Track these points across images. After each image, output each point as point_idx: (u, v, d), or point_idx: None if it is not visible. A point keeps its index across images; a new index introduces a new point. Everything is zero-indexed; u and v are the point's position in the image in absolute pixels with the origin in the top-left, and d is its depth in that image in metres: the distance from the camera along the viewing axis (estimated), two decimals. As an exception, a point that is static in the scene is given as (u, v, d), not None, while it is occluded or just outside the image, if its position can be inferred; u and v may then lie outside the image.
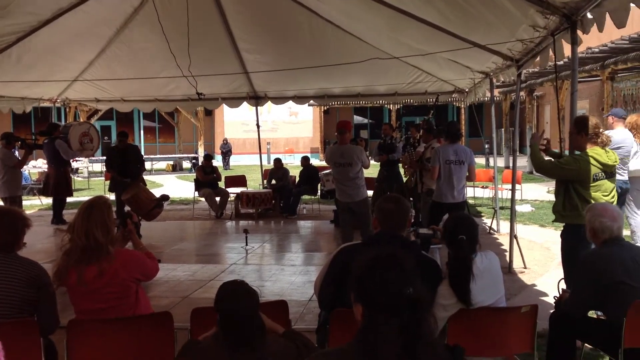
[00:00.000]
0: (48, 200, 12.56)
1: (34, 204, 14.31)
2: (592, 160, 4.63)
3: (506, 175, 12.92)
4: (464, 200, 7.33)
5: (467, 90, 11.16)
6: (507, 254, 7.36)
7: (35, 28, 8.21)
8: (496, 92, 9.64)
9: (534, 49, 6.01)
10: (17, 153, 10.35)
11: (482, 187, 13.20)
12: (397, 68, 10.19)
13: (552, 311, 3.91)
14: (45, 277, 3.27)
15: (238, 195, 12.30)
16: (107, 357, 3.19)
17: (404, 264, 1.82)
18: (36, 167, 17.00)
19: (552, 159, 5.07)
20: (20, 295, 3.15)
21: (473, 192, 13.57)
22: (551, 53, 5.50)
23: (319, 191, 12.63)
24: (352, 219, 7.42)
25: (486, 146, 20.89)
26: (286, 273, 7.45)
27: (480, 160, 23.75)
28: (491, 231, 9.60)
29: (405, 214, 3.38)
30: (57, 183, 11.08)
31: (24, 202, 10.88)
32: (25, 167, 11.53)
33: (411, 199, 9.28)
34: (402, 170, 10.51)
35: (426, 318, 1.76)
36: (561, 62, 8.76)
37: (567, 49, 5.13)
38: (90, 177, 21.04)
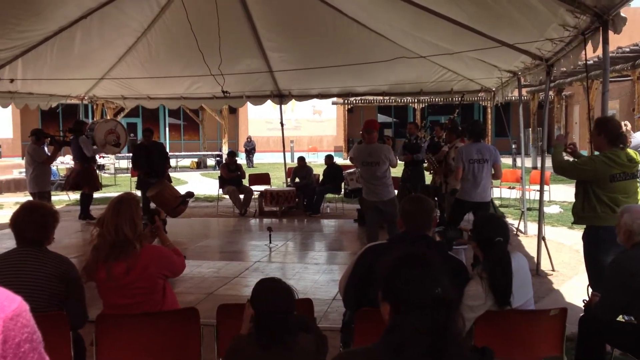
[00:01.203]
0: (75, 196, 12.73)
1: (62, 199, 14.51)
2: (608, 161, 4.55)
3: (534, 176, 12.76)
4: (490, 200, 7.24)
5: (494, 89, 11.04)
6: (535, 256, 7.27)
7: (64, 27, 8.33)
8: (524, 91, 9.53)
9: (564, 48, 5.92)
10: (46, 149, 10.50)
11: (509, 188, 13.06)
12: (423, 66, 10.12)
13: (581, 315, 3.84)
14: (75, 272, 3.30)
15: (262, 193, 12.34)
16: (134, 352, 3.22)
17: (432, 263, 1.81)
18: (64, 163, 17.25)
19: (570, 160, 5.02)
20: (50, 290, 3.18)
21: (500, 193, 13.43)
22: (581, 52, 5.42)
23: (342, 190, 12.62)
24: (378, 218, 7.39)
25: (513, 146, 20.68)
26: (310, 271, 7.46)
27: (507, 161, 23.51)
28: (518, 233, 9.49)
29: (428, 214, 3.36)
30: (82, 179, 11.23)
31: (52, 198, 11.02)
32: (53, 163, 11.68)
33: (436, 198, 9.21)
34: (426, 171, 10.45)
35: (454, 318, 1.75)
36: (591, 62, 8.62)
37: (597, 49, 5.04)
38: (116, 173, 21.29)
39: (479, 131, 7.25)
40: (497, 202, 12.97)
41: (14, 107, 11.94)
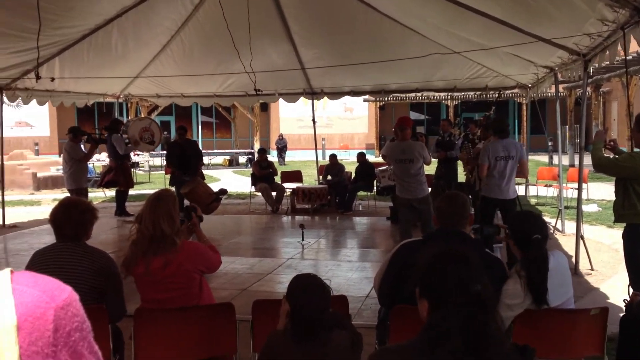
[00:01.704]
0: (111, 193, 12.95)
1: (98, 196, 14.77)
2: None
3: (571, 174, 12.55)
4: (516, 197, 7.15)
5: (529, 85, 10.88)
6: (573, 255, 7.14)
7: (100, 26, 8.47)
8: (560, 87, 9.35)
9: (602, 43, 5.80)
10: (82, 147, 10.71)
11: (546, 186, 12.86)
12: (456, 62, 10.03)
13: (622, 314, 3.76)
14: (113, 266, 3.35)
15: (294, 191, 12.37)
16: (171, 345, 3.26)
17: (471, 260, 1.79)
18: (100, 160, 17.54)
19: (610, 157, 4.93)
20: (89, 284, 3.23)
21: (536, 191, 13.25)
22: (620, 47, 5.30)
23: (374, 187, 12.57)
24: (412, 215, 7.35)
25: (550, 144, 20.35)
26: (343, 269, 7.45)
27: (543, 158, 23.20)
28: (555, 231, 9.34)
29: (461, 210, 3.32)
30: (115, 176, 11.41)
31: (89, 195, 11.23)
32: (90, 160, 11.91)
33: (470, 196, 9.11)
34: (460, 168, 10.35)
35: (493, 316, 1.72)
36: (630, 57, 8.43)
37: (636, 44, 4.93)
38: (151, 170, 21.58)
39: (503, 128, 7.15)
40: (533, 201, 12.80)
41: (51, 105, 12.20)
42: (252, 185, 12.85)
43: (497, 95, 10.85)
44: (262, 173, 12.60)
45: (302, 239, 8.92)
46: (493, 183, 6.91)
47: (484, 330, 1.66)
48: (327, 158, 13.62)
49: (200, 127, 35.60)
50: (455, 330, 1.65)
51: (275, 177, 12.86)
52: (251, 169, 13.98)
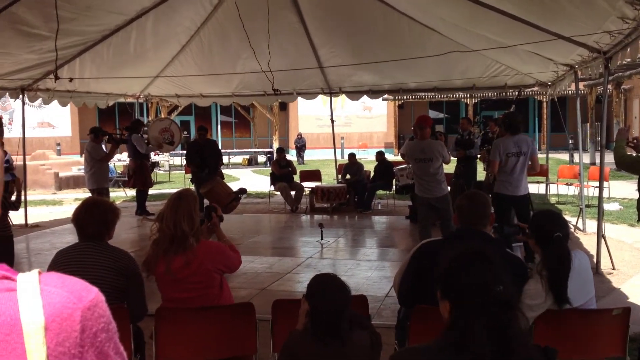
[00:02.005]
0: (132, 192, 13.07)
1: (119, 196, 14.91)
2: None
3: (592, 172, 12.40)
4: (528, 193, 7.09)
5: (549, 83, 10.77)
6: (595, 254, 7.07)
7: (120, 27, 8.55)
8: (581, 85, 9.26)
9: (622, 40, 5.73)
10: (104, 147, 10.82)
11: (567, 184, 12.73)
12: (475, 60, 9.97)
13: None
14: (135, 266, 3.38)
15: (313, 190, 12.38)
16: (192, 345, 3.28)
17: (493, 260, 1.78)
18: (121, 160, 17.70)
19: (633, 154, 4.86)
20: (110, 283, 3.26)
21: (557, 189, 13.11)
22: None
23: (393, 186, 12.54)
24: (431, 214, 7.32)
25: (570, 142, 20.15)
26: (362, 268, 7.44)
27: (564, 156, 22.96)
28: (576, 230, 9.25)
29: (484, 210, 3.30)
30: (135, 175, 11.53)
31: (110, 194, 11.34)
32: (111, 160, 12.04)
33: (489, 195, 9.05)
34: (480, 167, 10.28)
35: (517, 317, 1.71)
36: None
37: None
38: (171, 170, 21.73)
39: (515, 124, 7.07)
40: (553, 199, 12.68)
41: (73, 106, 12.34)
42: (271, 184, 12.89)
43: (517, 93, 10.75)
44: (281, 172, 12.63)
45: (321, 238, 8.93)
46: (505, 180, 6.86)
47: (508, 332, 1.66)
48: (346, 157, 13.61)
49: (219, 126, 35.76)
50: (480, 332, 1.64)
51: (294, 176, 12.88)
52: (270, 168, 14.02)
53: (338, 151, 16.82)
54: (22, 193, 8.51)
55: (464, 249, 1.88)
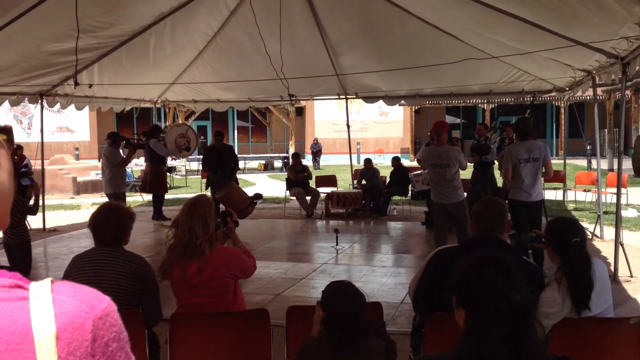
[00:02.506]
0: (149, 197, 13.15)
1: (136, 200, 15.00)
2: None
3: (610, 178, 12.26)
4: (542, 199, 7.02)
5: (567, 89, 10.69)
6: (612, 261, 6.99)
7: (138, 32, 8.62)
8: (599, 90, 9.16)
9: (640, 46, 5.68)
10: (121, 152, 10.91)
11: (584, 191, 12.60)
12: (492, 66, 9.91)
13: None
14: (150, 271, 3.40)
15: (328, 195, 12.37)
16: (207, 350, 3.29)
17: (511, 269, 1.76)
18: (138, 165, 17.83)
19: None
20: (126, 288, 3.28)
21: (574, 196, 12.99)
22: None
23: (409, 192, 12.50)
24: (447, 220, 7.28)
25: (588, 147, 19.96)
26: (377, 274, 7.42)
27: (581, 162, 22.73)
28: (594, 237, 9.15)
29: (498, 216, 3.28)
30: (152, 181, 11.61)
31: (127, 199, 11.42)
32: (128, 165, 12.14)
33: (506, 201, 8.99)
34: (497, 172, 10.22)
35: (533, 326, 1.70)
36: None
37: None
38: (187, 175, 21.84)
39: (525, 129, 7.01)
40: (571, 206, 12.56)
41: (91, 111, 12.46)
42: (287, 189, 12.90)
43: (532, 98, 10.66)
44: (297, 177, 12.64)
45: (337, 244, 8.91)
46: (518, 186, 6.82)
47: (524, 341, 1.64)
48: (362, 162, 13.59)
49: (236, 131, 35.88)
50: (496, 341, 1.63)
51: (309, 182, 12.89)
52: (286, 173, 14.04)
53: (354, 156, 16.80)
54: (40, 197, 8.58)
55: (480, 256, 1.87)
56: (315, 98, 12.97)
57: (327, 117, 31.18)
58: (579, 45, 6.55)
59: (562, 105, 25.94)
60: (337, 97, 12.86)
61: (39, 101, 10.36)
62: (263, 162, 27.76)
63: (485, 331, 1.64)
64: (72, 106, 11.11)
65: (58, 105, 10.95)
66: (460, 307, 1.78)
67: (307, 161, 25.95)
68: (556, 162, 11.66)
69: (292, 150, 27.99)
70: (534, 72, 10.16)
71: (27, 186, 7.58)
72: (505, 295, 1.67)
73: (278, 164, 27.62)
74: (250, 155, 28.93)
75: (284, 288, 6.72)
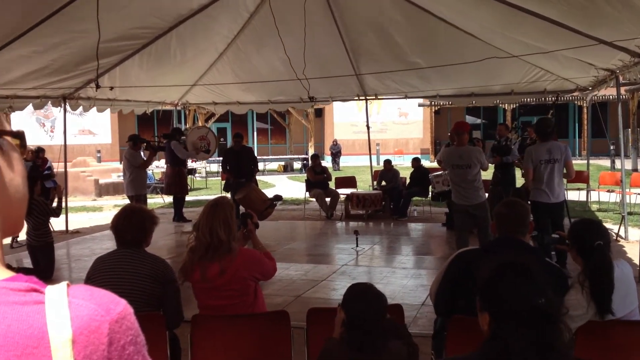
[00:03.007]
0: (169, 199, 13.25)
1: (157, 202, 15.13)
2: None
3: (635, 179, 12.09)
4: (564, 200, 6.93)
5: (590, 88, 10.56)
6: (637, 262, 6.87)
7: (158, 35, 8.69)
8: (622, 90, 9.02)
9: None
10: (142, 154, 11.00)
11: (608, 191, 12.43)
12: (513, 66, 9.82)
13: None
14: (171, 273, 3.41)
15: (348, 196, 12.35)
16: (228, 352, 3.29)
17: (535, 272, 1.73)
18: (159, 167, 17.97)
19: None
20: (147, 290, 3.29)
21: (598, 196, 12.82)
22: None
23: (430, 193, 12.43)
24: (468, 222, 7.22)
25: (612, 147, 19.71)
26: (397, 276, 7.38)
27: (605, 163, 22.46)
28: (618, 238, 9.02)
29: (521, 218, 3.25)
30: (172, 182, 11.69)
31: (148, 201, 11.51)
32: (149, 167, 12.23)
33: (528, 202, 8.89)
34: (518, 173, 10.12)
35: (560, 330, 1.66)
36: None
37: None
38: (207, 177, 21.97)
39: (545, 130, 6.93)
40: (594, 206, 12.40)
41: (112, 114, 12.59)
42: (307, 191, 12.91)
43: (554, 98, 10.54)
44: (317, 179, 12.64)
45: (357, 245, 8.89)
46: (539, 187, 6.74)
47: (552, 346, 1.61)
48: (382, 163, 13.55)
49: (255, 133, 36.04)
50: (522, 345, 1.60)
51: (329, 183, 12.88)
52: (305, 174, 14.05)
53: (373, 157, 16.77)
54: (63, 200, 8.68)
55: (504, 259, 1.84)
56: (334, 99, 12.93)
57: (346, 118, 31.18)
58: (603, 44, 6.47)
59: (584, 105, 25.62)
60: (356, 98, 12.82)
61: (62, 104, 10.49)
62: (282, 163, 27.83)
63: (510, 336, 1.62)
64: (94, 109, 11.24)
65: (80, 108, 11.07)
66: (484, 310, 1.76)
67: (327, 162, 25.94)
68: (579, 163, 11.52)
69: (311, 151, 28.01)
70: (556, 71, 10.06)
71: (51, 189, 7.70)
72: (529, 298, 1.65)
73: (297, 165, 27.68)
74: (270, 157, 29.03)
75: (304, 290, 6.71)
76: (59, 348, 0.72)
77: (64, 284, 0.78)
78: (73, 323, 0.73)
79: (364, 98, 12.84)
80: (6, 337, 0.71)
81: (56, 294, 0.75)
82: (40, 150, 11.09)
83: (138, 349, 0.79)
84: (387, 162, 13.13)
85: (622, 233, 9.12)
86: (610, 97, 20.81)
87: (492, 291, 1.74)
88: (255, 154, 12.28)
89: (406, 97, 12.58)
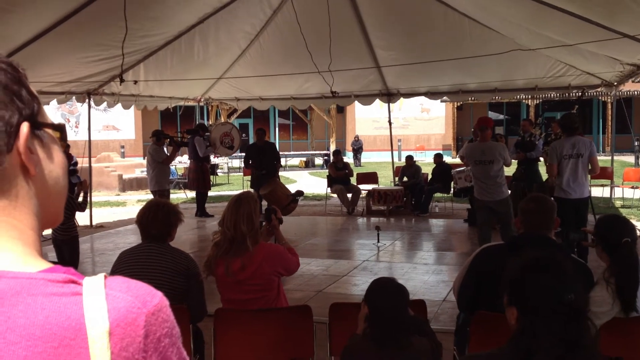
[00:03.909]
0: (192, 194, 13.34)
1: (180, 197, 15.24)
2: None
3: (660, 175, 11.90)
4: (589, 196, 6.84)
5: (615, 83, 10.40)
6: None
7: (182, 32, 8.75)
8: (648, 85, 8.90)
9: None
10: (165, 150, 11.08)
11: (632, 188, 12.26)
12: (538, 61, 9.72)
13: None
14: (195, 267, 3.45)
15: (369, 192, 12.33)
16: (250, 346, 3.32)
17: (565, 268, 1.73)
18: (182, 162, 18.10)
19: None
20: (171, 284, 3.33)
21: (622, 193, 12.65)
22: None
23: (451, 189, 12.35)
24: (490, 218, 7.18)
25: (636, 143, 19.40)
26: (419, 272, 7.36)
27: (629, 159, 22.12)
28: (642, 235, 8.88)
29: (548, 214, 3.21)
30: (195, 178, 11.76)
31: (171, 196, 11.60)
32: (172, 162, 12.32)
33: (552, 198, 8.80)
34: (543, 169, 10.01)
35: (588, 326, 1.66)
36: None
37: None
38: (229, 172, 22.06)
39: (570, 125, 6.84)
40: (618, 203, 12.23)
41: (137, 109, 12.69)
42: (328, 186, 12.91)
43: (580, 94, 10.40)
44: (338, 174, 12.64)
45: (378, 241, 8.88)
46: (564, 183, 6.66)
47: (580, 342, 1.61)
48: (403, 159, 13.50)
49: (277, 129, 36.08)
50: (550, 341, 1.60)
51: (351, 179, 12.86)
52: (327, 170, 14.05)
53: (395, 153, 16.70)
54: (89, 194, 8.79)
55: (534, 254, 1.83)
56: (356, 96, 12.86)
57: (368, 114, 31.07)
58: (627, 37, 6.37)
59: (609, 100, 25.24)
60: (378, 94, 12.74)
61: (87, 100, 10.60)
62: (304, 159, 27.83)
63: (538, 331, 1.61)
64: (119, 105, 11.34)
65: (104, 104, 11.18)
66: (511, 306, 1.75)
67: (348, 158, 25.90)
68: (603, 159, 11.35)
69: (333, 147, 27.97)
70: (581, 66, 9.93)
71: (76, 184, 7.77)
72: (559, 294, 1.64)
73: (319, 161, 27.66)
74: (292, 153, 29.04)
75: (326, 285, 6.72)
76: (96, 340, 0.72)
77: (101, 275, 0.78)
78: (110, 315, 0.73)
79: (386, 93, 12.74)
80: (44, 329, 0.71)
81: (94, 286, 0.75)
82: (66, 147, 11.22)
83: (173, 341, 0.79)
84: (409, 158, 13.07)
85: (647, 230, 8.99)
86: (635, 92, 20.49)
87: (522, 285, 1.74)
88: (278, 149, 12.30)
89: (429, 92, 12.46)
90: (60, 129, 0.87)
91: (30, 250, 0.80)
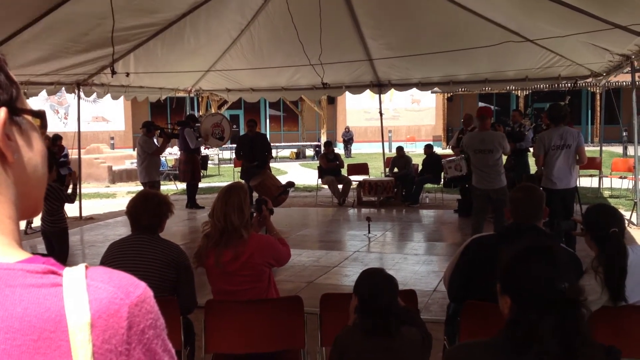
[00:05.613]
0: (182, 186, 13.29)
1: (170, 189, 15.18)
2: None
3: (648, 165, 11.95)
4: (575, 186, 6.88)
5: (604, 74, 10.43)
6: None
7: (173, 22, 8.68)
8: (637, 76, 8.90)
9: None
10: (155, 141, 11.02)
11: (620, 178, 12.33)
12: (528, 51, 9.72)
13: None
14: (185, 259, 3.43)
15: (360, 183, 12.34)
16: (241, 337, 3.31)
17: (559, 257, 1.73)
18: (172, 154, 18.03)
19: None
20: (161, 275, 3.32)
21: (610, 183, 12.73)
22: None
23: (442, 180, 12.37)
24: (487, 206, 7.25)
25: (624, 134, 19.50)
26: (409, 262, 7.38)
27: (617, 149, 22.22)
28: (630, 225, 8.95)
29: (537, 204, 3.23)
30: (186, 169, 11.72)
31: (161, 187, 11.55)
32: (162, 154, 12.26)
33: (541, 188, 8.84)
34: (531, 160, 10.05)
35: (582, 315, 1.66)
36: None
37: None
38: (220, 164, 21.98)
39: (558, 115, 6.85)
40: (606, 193, 12.30)
41: (126, 100, 12.61)
42: (319, 177, 12.90)
43: (572, 85, 10.42)
44: (329, 165, 12.63)
45: (369, 232, 8.90)
46: (551, 173, 6.69)
47: (573, 331, 1.61)
48: (394, 150, 13.50)
49: (268, 120, 35.97)
50: (545, 330, 1.60)
51: (341, 170, 12.86)
52: (318, 161, 14.03)
53: (386, 144, 16.70)
54: (78, 186, 8.73)
55: (527, 243, 1.83)
56: (347, 87, 12.83)
57: (358, 105, 31.04)
58: (618, 28, 6.39)
59: (597, 91, 25.32)
60: (369, 84, 12.72)
61: (76, 91, 10.51)
62: (295, 150, 27.79)
63: (532, 320, 1.62)
64: (108, 96, 11.26)
65: (94, 95, 11.10)
66: (504, 295, 1.75)
67: (339, 149, 25.88)
68: (592, 149, 11.41)
69: (323, 138, 27.94)
70: (571, 57, 9.95)
71: (66, 175, 7.72)
72: (551, 282, 1.64)
73: (310, 152, 27.63)
74: (282, 144, 28.99)
75: (316, 276, 6.73)
76: (76, 332, 0.70)
77: (82, 266, 0.76)
78: (92, 306, 0.71)
79: (377, 84, 12.71)
80: (23, 321, 0.69)
81: (74, 277, 0.73)
82: (57, 138, 11.16)
83: (158, 333, 0.77)
84: (399, 149, 13.08)
85: (634, 219, 9.06)
86: (624, 83, 20.56)
87: (515, 274, 1.74)
88: (269, 141, 12.26)
89: (420, 84, 12.44)
90: (40, 115, 0.84)
91: (9, 240, 0.77)
